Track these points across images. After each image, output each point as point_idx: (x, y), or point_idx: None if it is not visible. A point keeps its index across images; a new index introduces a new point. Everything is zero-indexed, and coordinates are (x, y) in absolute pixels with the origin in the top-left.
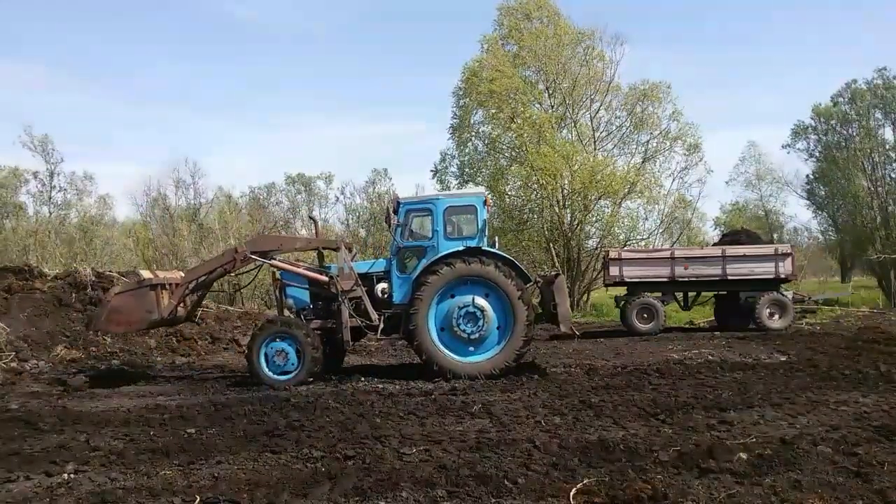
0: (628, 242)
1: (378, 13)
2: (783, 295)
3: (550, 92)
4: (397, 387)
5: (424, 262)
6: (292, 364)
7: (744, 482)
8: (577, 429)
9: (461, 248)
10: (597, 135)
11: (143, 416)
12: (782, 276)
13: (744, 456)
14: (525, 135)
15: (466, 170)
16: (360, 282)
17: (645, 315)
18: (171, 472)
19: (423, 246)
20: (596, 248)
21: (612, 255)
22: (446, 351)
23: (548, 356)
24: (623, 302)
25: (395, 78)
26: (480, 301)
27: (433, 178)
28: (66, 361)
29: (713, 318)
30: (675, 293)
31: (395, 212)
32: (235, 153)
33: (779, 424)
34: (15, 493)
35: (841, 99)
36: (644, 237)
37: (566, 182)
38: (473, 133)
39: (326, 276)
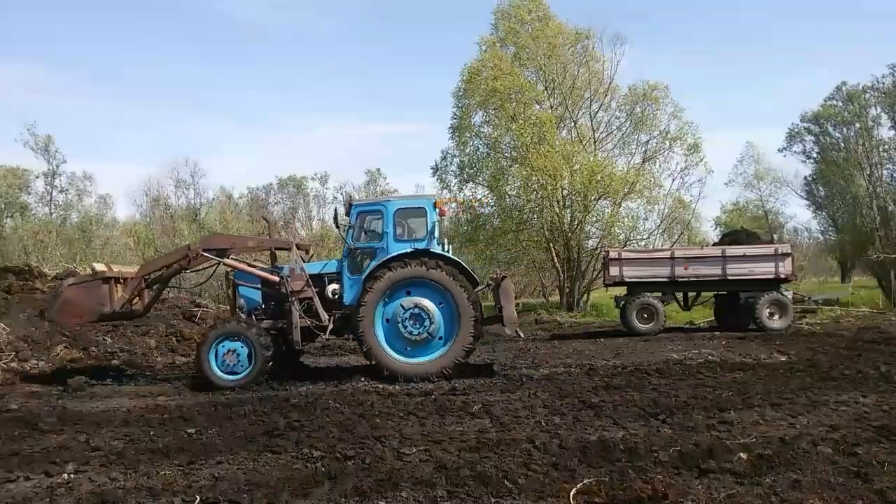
0: (628, 242)
1: (378, 13)
2: (783, 295)
3: (550, 92)
4: (397, 387)
5: (374, 264)
6: (243, 364)
7: (744, 482)
8: (577, 429)
9: (410, 250)
10: (596, 135)
11: (143, 416)
12: (782, 276)
13: (744, 456)
14: (526, 135)
15: (467, 169)
16: (311, 283)
17: (645, 315)
18: (171, 472)
19: (373, 247)
20: (596, 248)
21: (612, 255)
22: (392, 352)
23: (548, 356)
24: (623, 302)
25: (395, 78)
26: (426, 303)
27: (433, 177)
28: (66, 361)
29: (713, 318)
30: (675, 293)
31: (348, 213)
32: (235, 153)
33: (779, 424)
34: (15, 493)
35: (835, 101)
36: (644, 237)
37: (566, 182)
38: (474, 133)
39: (278, 276)
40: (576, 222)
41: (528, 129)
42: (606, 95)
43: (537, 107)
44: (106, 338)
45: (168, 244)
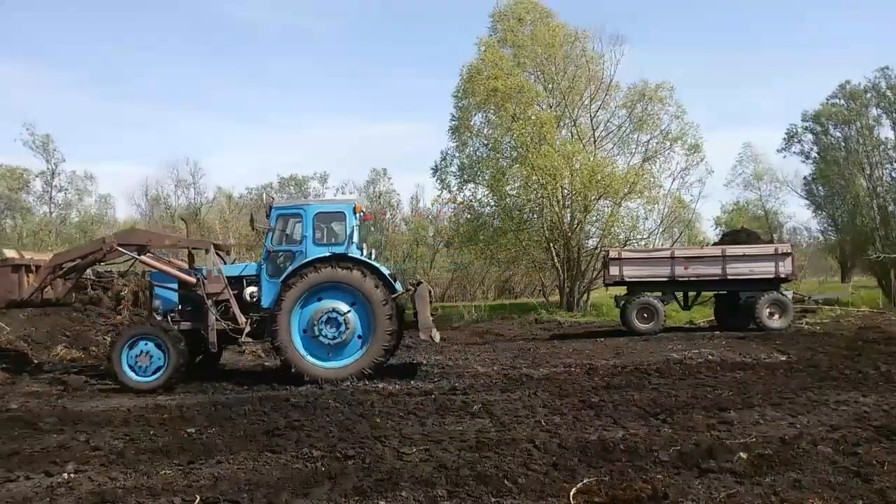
0: (628, 242)
1: (379, 13)
2: (783, 295)
3: (549, 92)
4: (397, 387)
5: (291, 268)
6: (155, 366)
7: (744, 482)
8: (577, 428)
9: (327, 254)
10: (596, 134)
11: (143, 416)
12: (782, 275)
13: (744, 456)
14: (526, 135)
15: (467, 170)
16: (228, 285)
17: (645, 315)
18: (171, 471)
19: (292, 251)
20: (596, 248)
21: (612, 254)
22: (307, 355)
23: (548, 356)
24: (623, 302)
25: (395, 78)
26: (343, 307)
27: (433, 177)
28: (67, 361)
29: (713, 317)
30: (675, 293)
31: (268, 215)
32: (236, 153)
33: (779, 424)
34: (15, 493)
35: (836, 100)
36: (644, 237)
37: (566, 182)
38: (474, 133)
39: (195, 277)
40: (576, 222)
41: (528, 129)
42: (606, 95)
43: (537, 107)
44: (106, 338)
45: None
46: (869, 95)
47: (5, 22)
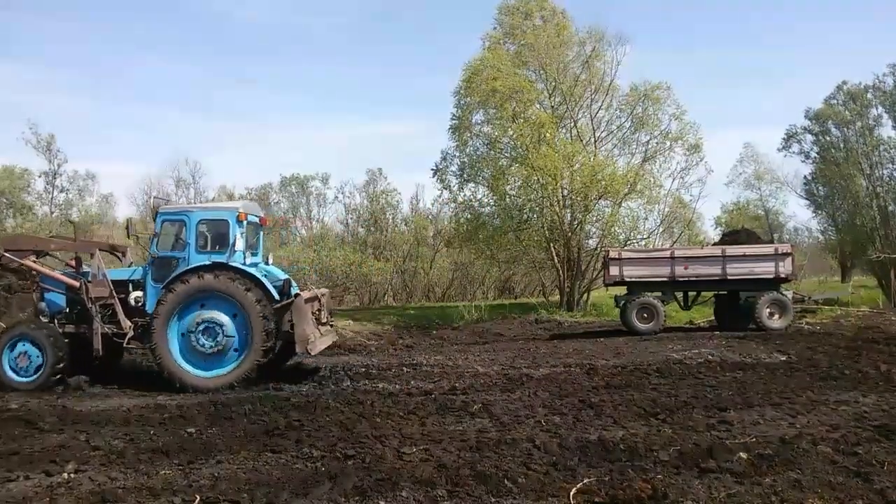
0: (628, 242)
1: (379, 14)
2: (783, 294)
3: (550, 92)
4: (397, 387)
5: (172, 275)
6: (34, 367)
7: (744, 482)
8: (577, 428)
9: (207, 262)
10: (597, 134)
11: (143, 416)
12: (782, 275)
13: (744, 456)
14: (526, 135)
15: (467, 169)
16: (113, 289)
17: (645, 315)
18: (171, 471)
19: (176, 257)
20: (596, 248)
21: (612, 254)
22: (185, 363)
23: (548, 356)
24: (623, 301)
25: (395, 78)
26: (220, 316)
27: (434, 177)
28: None
29: (713, 317)
30: (675, 293)
31: (154, 219)
32: (235, 153)
33: (779, 424)
34: (15, 493)
35: (835, 101)
36: (644, 237)
37: (566, 182)
38: (474, 133)
39: (78, 281)
40: (576, 222)
41: (527, 129)
42: (607, 95)
43: (537, 106)
44: None
45: None
46: (870, 95)
47: (5, 22)
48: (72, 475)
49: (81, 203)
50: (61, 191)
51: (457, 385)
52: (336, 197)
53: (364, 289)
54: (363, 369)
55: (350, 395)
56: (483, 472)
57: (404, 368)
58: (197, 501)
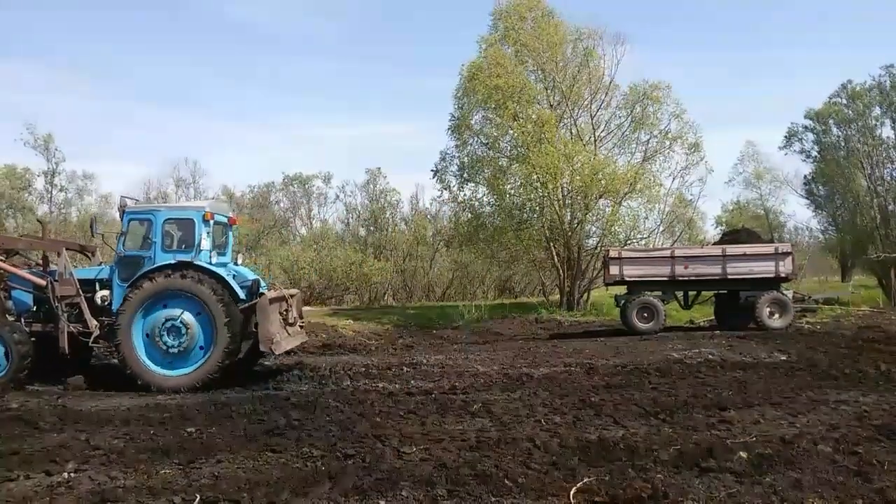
0: (628, 241)
1: (378, 13)
2: (783, 294)
3: (550, 91)
4: (397, 386)
5: (137, 274)
6: (0, 364)
7: (744, 481)
8: (577, 428)
9: (172, 261)
10: (597, 133)
11: (143, 416)
12: (782, 275)
13: (744, 455)
14: (526, 134)
15: (467, 169)
16: (80, 288)
17: (645, 314)
18: (172, 471)
19: (142, 256)
20: (596, 248)
21: (613, 254)
22: (149, 363)
23: (548, 355)
24: (623, 301)
25: (395, 78)
26: (185, 315)
27: (433, 177)
28: None
29: (713, 317)
30: (676, 292)
31: (121, 217)
32: (236, 153)
33: (779, 424)
34: (15, 493)
35: (838, 99)
36: (644, 236)
37: (566, 181)
38: (474, 133)
39: (45, 280)
40: (576, 221)
41: (528, 127)
42: (607, 94)
43: (538, 105)
44: None
45: None
46: (873, 93)
47: (5, 22)
48: (72, 475)
49: (81, 203)
50: (60, 190)
51: (457, 384)
52: (337, 196)
53: (364, 288)
54: (363, 369)
55: (350, 395)
56: (483, 472)
57: (404, 368)
58: (197, 501)
